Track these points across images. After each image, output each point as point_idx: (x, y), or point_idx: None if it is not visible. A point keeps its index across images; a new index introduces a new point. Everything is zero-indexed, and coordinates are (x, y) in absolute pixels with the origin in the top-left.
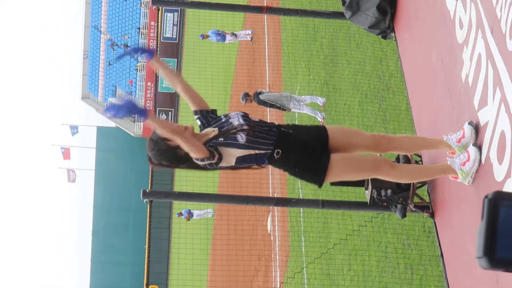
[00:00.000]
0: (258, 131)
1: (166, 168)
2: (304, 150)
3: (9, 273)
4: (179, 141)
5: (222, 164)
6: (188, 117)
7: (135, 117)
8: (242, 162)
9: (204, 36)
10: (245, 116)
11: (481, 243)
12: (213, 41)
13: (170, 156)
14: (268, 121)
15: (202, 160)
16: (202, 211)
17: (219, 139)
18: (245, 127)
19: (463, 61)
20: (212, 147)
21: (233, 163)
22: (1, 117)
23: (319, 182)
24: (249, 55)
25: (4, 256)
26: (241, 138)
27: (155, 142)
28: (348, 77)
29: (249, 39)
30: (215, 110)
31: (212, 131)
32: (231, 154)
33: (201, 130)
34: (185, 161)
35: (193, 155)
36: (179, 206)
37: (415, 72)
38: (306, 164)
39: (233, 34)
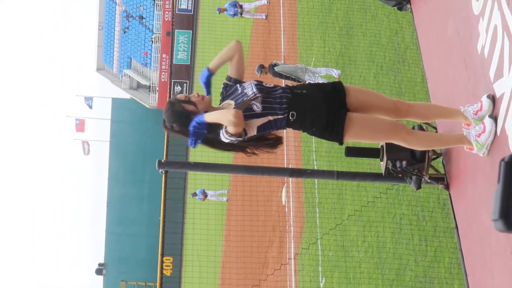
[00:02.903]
0: (272, 97)
1: (177, 134)
2: (319, 109)
3: (24, 248)
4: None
5: (246, 137)
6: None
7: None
8: (263, 130)
9: (221, 10)
10: (258, 84)
11: (497, 205)
12: (230, 15)
13: (182, 119)
14: (283, 85)
15: (232, 136)
16: (217, 192)
17: None
18: (259, 95)
19: (479, 32)
20: None
21: (255, 133)
22: (17, 89)
23: (338, 139)
24: (264, 27)
25: (19, 230)
26: (257, 107)
27: (172, 103)
28: (364, 49)
29: (264, 17)
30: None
31: (229, 104)
32: (252, 125)
33: (221, 100)
34: None
35: (232, 130)
36: (194, 181)
37: (431, 44)
38: (322, 123)
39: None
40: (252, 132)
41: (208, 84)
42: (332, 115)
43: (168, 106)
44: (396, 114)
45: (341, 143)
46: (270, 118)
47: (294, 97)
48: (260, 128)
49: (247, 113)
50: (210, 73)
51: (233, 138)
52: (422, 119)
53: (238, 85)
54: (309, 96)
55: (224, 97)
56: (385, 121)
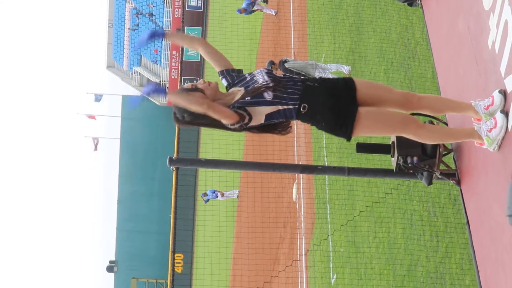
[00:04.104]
0: (283, 86)
1: (188, 125)
2: (330, 103)
3: (34, 246)
4: (210, 113)
5: (252, 123)
6: None
7: (159, 94)
8: (271, 119)
9: (241, 11)
10: (269, 73)
11: None
12: (248, 13)
13: None
14: (294, 76)
15: (233, 124)
16: (228, 192)
17: (246, 99)
18: (271, 84)
19: (490, 28)
20: (241, 108)
21: (262, 121)
22: (26, 86)
23: (347, 135)
24: (274, 23)
25: (29, 227)
26: (268, 95)
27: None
28: (374, 45)
29: (274, 14)
30: (241, 70)
31: (238, 90)
32: (260, 112)
33: (227, 90)
34: (207, 116)
35: (225, 122)
36: (204, 178)
37: (441, 40)
38: (333, 117)
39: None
40: (260, 119)
41: (150, 38)
42: (343, 110)
43: None
44: (407, 106)
45: (349, 138)
46: (280, 107)
47: (306, 90)
48: (268, 117)
49: (256, 100)
50: (162, 36)
51: (234, 126)
52: (432, 111)
53: (246, 74)
54: (321, 90)
55: (231, 84)
56: (395, 114)
